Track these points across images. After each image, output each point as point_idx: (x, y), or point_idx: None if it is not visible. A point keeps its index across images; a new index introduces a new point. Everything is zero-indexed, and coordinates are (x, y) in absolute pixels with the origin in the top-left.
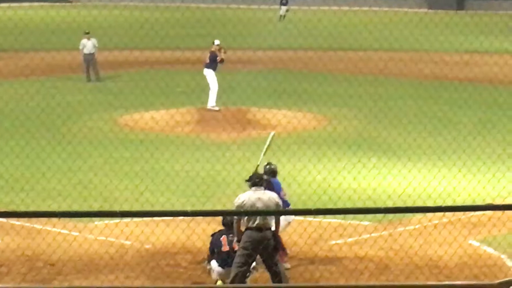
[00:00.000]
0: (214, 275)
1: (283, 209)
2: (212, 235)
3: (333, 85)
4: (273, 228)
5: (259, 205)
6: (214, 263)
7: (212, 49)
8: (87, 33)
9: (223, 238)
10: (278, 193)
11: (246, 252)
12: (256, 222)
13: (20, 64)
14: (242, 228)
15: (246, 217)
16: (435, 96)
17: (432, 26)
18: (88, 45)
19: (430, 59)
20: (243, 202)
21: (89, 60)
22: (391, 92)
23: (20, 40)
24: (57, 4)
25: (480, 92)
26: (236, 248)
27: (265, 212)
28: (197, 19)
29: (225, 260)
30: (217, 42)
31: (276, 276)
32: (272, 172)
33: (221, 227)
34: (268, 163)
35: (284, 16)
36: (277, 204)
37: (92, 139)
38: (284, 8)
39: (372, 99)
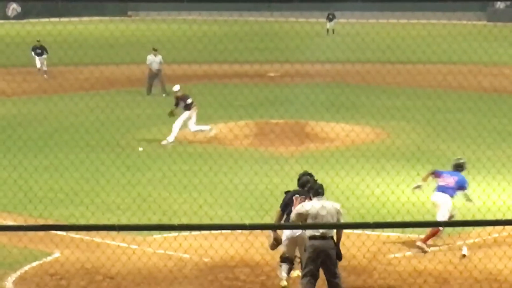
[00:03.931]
0: (284, 238)
1: (344, 222)
2: (286, 193)
3: (392, 98)
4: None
5: (323, 212)
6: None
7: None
8: (155, 50)
9: (296, 198)
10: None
11: (312, 261)
12: (321, 231)
13: (80, 78)
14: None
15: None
16: (494, 109)
17: (491, 39)
18: (155, 61)
19: (489, 71)
20: (307, 210)
21: (155, 76)
22: (450, 105)
23: (80, 54)
24: (116, 18)
25: None
26: None
27: (325, 225)
28: (255, 32)
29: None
30: (176, 88)
31: None
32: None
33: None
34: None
35: (333, 30)
36: (338, 211)
37: (150, 153)
38: (331, 23)
39: (431, 112)
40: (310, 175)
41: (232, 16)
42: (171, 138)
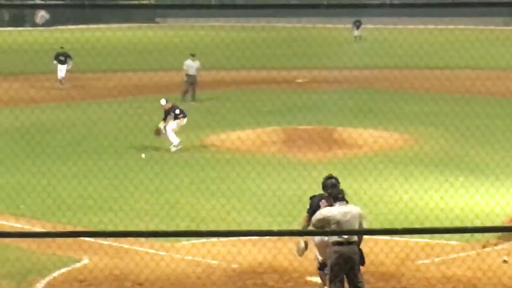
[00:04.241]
0: (316, 240)
1: (373, 228)
2: (311, 198)
3: (420, 104)
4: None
5: (349, 217)
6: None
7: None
8: (193, 55)
9: (322, 203)
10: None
11: (339, 268)
12: (345, 236)
13: (109, 85)
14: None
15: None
16: None
17: None
18: (192, 66)
19: None
20: (333, 215)
21: (192, 81)
22: (478, 111)
23: (108, 61)
24: (144, 25)
25: None
26: None
27: (352, 231)
28: (283, 38)
29: None
30: (162, 102)
31: None
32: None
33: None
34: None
35: (360, 37)
36: (361, 215)
37: (178, 159)
38: (358, 30)
39: (459, 118)
40: (334, 178)
41: (260, 22)
42: (175, 141)
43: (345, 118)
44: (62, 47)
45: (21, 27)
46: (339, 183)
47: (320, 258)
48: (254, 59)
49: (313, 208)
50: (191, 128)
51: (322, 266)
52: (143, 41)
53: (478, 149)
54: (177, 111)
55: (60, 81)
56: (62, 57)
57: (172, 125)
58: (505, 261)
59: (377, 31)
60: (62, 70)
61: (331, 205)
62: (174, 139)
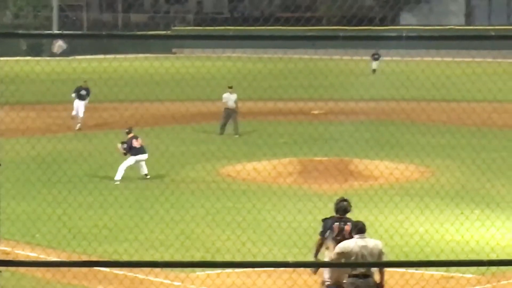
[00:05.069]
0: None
1: (388, 261)
2: (324, 220)
3: (436, 136)
4: (376, 277)
5: (365, 252)
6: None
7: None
8: (231, 87)
9: (335, 226)
10: None
11: None
12: (360, 270)
13: (125, 115)
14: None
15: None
16: None
17: None
18: (230, 99)
19: None
20: (351, 249)
21: (230, 114)
22: (495, 144)
23: (125, 91)
24: (161, 55)
25: None
26: (347, 235)
27: (368, 264)
28: (299, 69)
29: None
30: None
31: None
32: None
33: None
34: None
35: (376, 70)
36: (381, 252)
37: (194, 190)
38: (376, 62)
39: (475, 150)
40: (346, 201)
41: (277, 53)
42: (118, 175)
43: (361, 150)
44: (85, 81)
45: (38, 57)
46: (351, 206)
47: (328, 281)
48: (271, 90)
49: (326, 229)
50: (207, 158)
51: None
52: (160, 71)
53: (494, 182)
54: (134, 143)
55: (80, 122)
56: (84, 91)
57: (129, 160)
58: None
59: (394, 63)
60: (80, 107)
61: (344, 227)
62: (118, 174)
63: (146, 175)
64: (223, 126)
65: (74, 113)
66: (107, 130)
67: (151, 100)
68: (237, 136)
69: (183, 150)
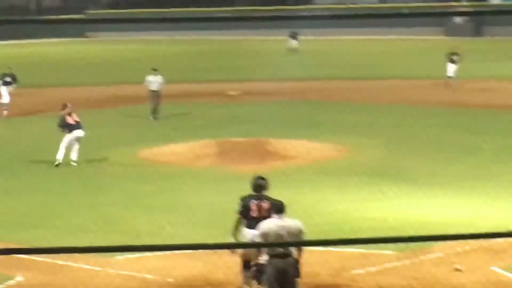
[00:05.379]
0: (247, 238)
1: (308, 240)
2: (242, 199)
3: (352, 114)
4: (296, 256)
5: (283, 232)
6: (245, 229)
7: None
8: (155, 70)
9: (253, 204)
10: None
11: (275, 280)
12: (280, 250)
13: (40, 100)
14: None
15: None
16: (455, 123)
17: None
18: (155, 81)
19: (448, 86)
20: (269, 228)
21: (157, 97)
22: (411, 121)
23: (39, 76)
24: (76, 39)
25: (500, 118)
26: (265, 212)
27: (287, 244)
28: (214, 51)
29: (253, 225)
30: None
31: None
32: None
33: None
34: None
35: (297, 49)
36: (301, 231)
37: (112, 173)
38: (294, 41)
39: (392, 127)
40: (264, 179)
41: (191, 35)
42: (58, 155)
43: (278, 130)
44: (10, 68)
45: None
46: (268, 184)
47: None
48: (186, 72)
49: (244, 207)
50: (123, 142)
51: (246, 265)
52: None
53: (411, 159)
54: (68, 120)
55: (7, 108)
56: (9, 78)
57: (67, 138)
58: (457, 269)
59: (308, 43)
60: (6, 94)
61: (261, 204)
62: (59, 153)
63: (74, 161)
64: (154, 110)
65: (4, 101)
66: (22, 116)
67: (77, 84)
68: (152, 118)
69: (100, 134)
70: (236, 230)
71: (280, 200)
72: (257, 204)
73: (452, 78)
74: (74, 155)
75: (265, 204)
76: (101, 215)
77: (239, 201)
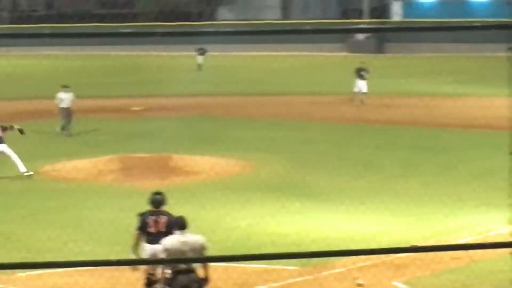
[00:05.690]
0: (147, 253)
1: (211, 256)
2: (140, 215)
3: (255, 130)
4: (200, 273)
5: (186, 248)
6: (145, 244)
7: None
8: (67, 87)
9: (150, 219)
10: None
11: None
12: (182, 266)
13: None
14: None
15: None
16: (357, 139)
17: (352, 70)
18: (67, 98)
19: (351, 102)
20: (171, 245)
21: (69, 113)
22: (313, 136)
23: None
24: None
25: (403, 134)
26: (162, 228)
27: (190, 260)
28: (117, 66)
29: (152, 240)
30: None
31: None
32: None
33: None
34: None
35: (202, 65)
36: (203, 247)
37: (13, 190)
38: (201, 57)
39: (294, 143)
40: (161, 194)
41: (97, 50)
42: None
43: (181, 146)
44: None
45: None
46: (166, 199)
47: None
48: (88, 88)
49: (142, 223)
50: (24, 158)
51: (149, 281)
52: None
53: (314, 175)
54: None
55: None
56: None
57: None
58: (359, 284)
59: (213, 58)
60: None
61: (159, 219)
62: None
63: (26, 172)
64: (65, 127)
65: None
66: None
67: None
68: (58, 130)
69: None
70: (136, 246)
71: (182, 216)
72: (154, 219)
73: (366, 93)
74: (20, 168)
75: (162, 219)
76: (1, 232)
77: (137, 217)
